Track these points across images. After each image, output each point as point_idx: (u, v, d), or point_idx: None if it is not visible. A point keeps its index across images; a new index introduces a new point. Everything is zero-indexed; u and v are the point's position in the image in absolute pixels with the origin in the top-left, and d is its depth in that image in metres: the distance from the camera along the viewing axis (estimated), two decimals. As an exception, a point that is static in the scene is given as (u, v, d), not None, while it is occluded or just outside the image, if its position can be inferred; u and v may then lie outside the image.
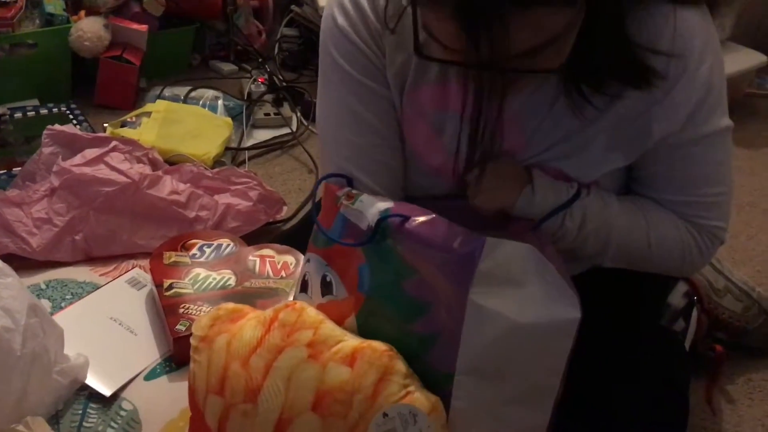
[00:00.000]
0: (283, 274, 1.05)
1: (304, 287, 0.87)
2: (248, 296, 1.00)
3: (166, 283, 1.03)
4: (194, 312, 1.00)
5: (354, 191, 0.83)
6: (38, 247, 1.14)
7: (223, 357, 0.79)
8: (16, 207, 1.19)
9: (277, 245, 1.10)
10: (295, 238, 1.10)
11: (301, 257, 1.07)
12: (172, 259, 1.08)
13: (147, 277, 1.12)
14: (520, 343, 0.72)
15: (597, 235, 0.83)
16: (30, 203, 1.19)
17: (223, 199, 1.30)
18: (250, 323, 0.81)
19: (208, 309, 1.00)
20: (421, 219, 0.75)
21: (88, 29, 1.63)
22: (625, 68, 0.75)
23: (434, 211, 0.76)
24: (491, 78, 0.67)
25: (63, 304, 1.06)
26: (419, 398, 0.74)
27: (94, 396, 0.93)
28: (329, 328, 0.78)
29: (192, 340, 0.82)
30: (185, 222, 1.23)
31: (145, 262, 1.16)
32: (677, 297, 1.14)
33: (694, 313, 1.14)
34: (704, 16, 0.79)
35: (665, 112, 0.80)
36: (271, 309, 0.80)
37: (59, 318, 1.02)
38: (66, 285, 1.10)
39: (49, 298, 1.07)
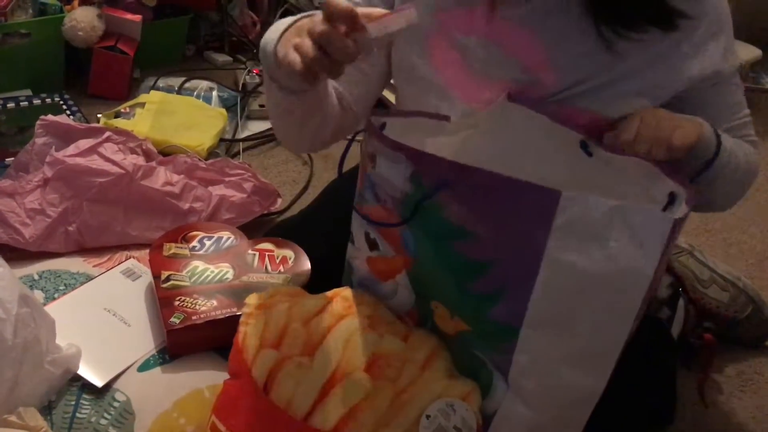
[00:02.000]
0: (281, 268, 1.05)
1: (351, 239, 0.91)
2: (245, 291, 1.00)
3: (164, 274, 1.03)
4: (189, 305, 0.99)
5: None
6: (31, 237, 1.14)
7: (284, 318, 0.85)
8: (8, 197, 1.18)
9: (277, 239, 1.09)
10: (294, 231, 1.10)
11: (301, 252, 1.07)
12: (172, 251, 1.07)
13: (142, 268, 1.12)
14: (591, 294, 0.72)
15: (732, 153, 0.88)
16: (23, 194, 1.19)
17: (217, 190, 1.29)
18: (311, 297, 0.89)
19: (204, 302, 1.00)
20: (470, 179, 0.73)
21: (82, 19, 1.62)
22: (650, 7, 0.83)
23: None
24: None
25: (56, 295, 1.06)
26: (458, 385, 0.82)
27: (87, 387, 0.93)
28: (386, 310, 0.88)
29: (246, 309, 0.88)
30: (179, 213, 1.23)
31: (139, 253, 1.15)
32: (662, 288, 1.15)
33: (681, 303, 1.15)
34: None
35: (697, 53, 0.87)
36: (331, 291, 0.90)
37: (52, 308, 1.01)
38: (59, 276, 1.10)
39: (42, 289, 1.07)
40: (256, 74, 1.83)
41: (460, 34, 0.91)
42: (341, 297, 0.88)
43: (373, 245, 0.86)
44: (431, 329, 0.87)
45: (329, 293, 0.90)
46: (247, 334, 0.86)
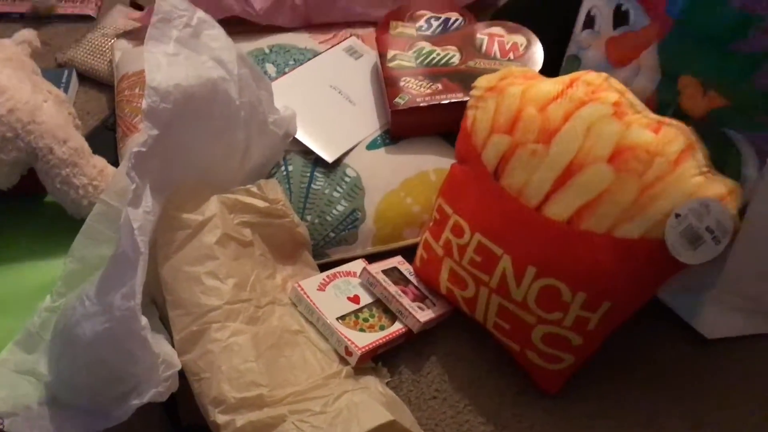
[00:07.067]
0: (511, 56, 0.99)
1: (588, 24, 0.86)
2: (471, 77, 0.96)
3: (390, 53, 1.01)
4: (414, 87, 0.98)
5: None
6: (260, 10, 1.14)
7: (517, 101, 0.81)
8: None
9: (508, 23, 1.03)
10: (526, 13, 1.03)
11: (534, 39, 1.00)
12: (398, 30, 1.05)
13: (363, 47, 1.11)
14: None
15: None
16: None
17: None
18: (547, 81, 0.82)
19: (429, 84, 0.98)
20: None
21: None
22: None
23: None
24: None
25: (286, 69, 1.08)
26: (715, 183, 0.73)
27: (319, 161, 0.96)
28: (634, 98, 0.78)
29: (475, 91, 0.85)
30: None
31: (363, 31, 1.14)
32: None
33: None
34: None
35: None
36: (569, 75, 0.81)
37: (283, 81, 1.04)
38: (288, 50, 1.11)
39: (273, 63, 1.09)
40: None
41: None
42: (582, 81, 0.80)
43: (621, 20, 0.80)
44: (673, 116, 0.79)
45: (568, 77, 0.81)
46: (477, 118, 0.83)
